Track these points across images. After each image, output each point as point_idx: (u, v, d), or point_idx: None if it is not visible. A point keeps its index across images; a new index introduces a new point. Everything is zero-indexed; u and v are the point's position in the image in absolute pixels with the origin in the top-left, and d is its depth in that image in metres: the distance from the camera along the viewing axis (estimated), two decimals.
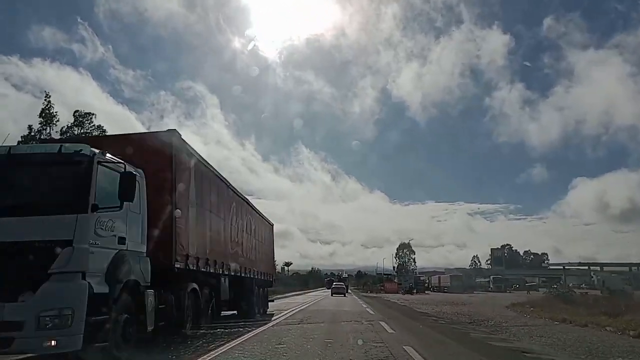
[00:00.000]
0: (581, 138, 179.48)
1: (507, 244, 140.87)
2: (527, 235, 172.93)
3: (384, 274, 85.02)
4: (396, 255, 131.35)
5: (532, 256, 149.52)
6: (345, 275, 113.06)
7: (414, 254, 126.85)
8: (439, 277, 79.47)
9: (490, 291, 72.54)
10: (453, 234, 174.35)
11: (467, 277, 72.17)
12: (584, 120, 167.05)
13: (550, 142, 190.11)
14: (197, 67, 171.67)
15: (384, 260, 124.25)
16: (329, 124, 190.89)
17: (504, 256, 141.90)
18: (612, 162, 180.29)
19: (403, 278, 74.91)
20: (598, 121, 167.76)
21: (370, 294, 58.65)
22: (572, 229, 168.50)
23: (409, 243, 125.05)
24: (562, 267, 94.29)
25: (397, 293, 59.00)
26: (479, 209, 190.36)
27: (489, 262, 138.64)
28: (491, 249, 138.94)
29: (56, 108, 31.81)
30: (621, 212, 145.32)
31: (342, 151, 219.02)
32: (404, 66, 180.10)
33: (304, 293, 63.63)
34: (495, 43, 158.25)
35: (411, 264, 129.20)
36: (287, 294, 55.80)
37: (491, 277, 77.65)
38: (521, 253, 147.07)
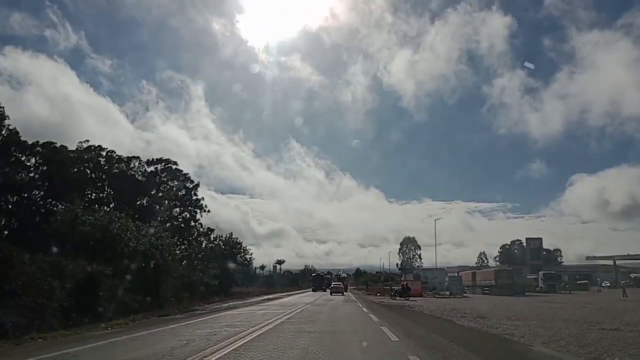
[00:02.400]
0: (584, 130, 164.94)
1: (518, 240, 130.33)
2: (525, 233, 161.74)
3: (399, 268, 67.50)
4: (399, 251, 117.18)
5: (544, 252, 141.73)
6: (344, 274, 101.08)
7: (420, 249, 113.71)
8: (473, 273, 61.60)
9: (540, 292, 55.62)
10: (450, 232, 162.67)
11: (517, 273, 54.71)
12: (587, 110, 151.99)
13: (551, 135, 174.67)
14: (179, 56, 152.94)
15: (390, 254, 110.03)
16: (320, 116, 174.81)
17: (513, 252, 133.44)
18: (614, 156, 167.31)
19: (431, 275, 57.23)
20: (603, 111, 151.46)
21: (382, 300, 38.34)
22: (570, 227, 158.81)
23: (413, 237, 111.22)
24: (611, 262, 78.34)
25: (421, 296, 41.55)
26: (476, 207, 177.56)
27: (497, 259, 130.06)
28: (501, 245, 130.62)
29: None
30: (621, 209, 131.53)
31: (335, 146, 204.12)
32: (397, 52, 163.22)
33: (280, 297, 45.31)
34: (495, 26, 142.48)
35: (416, 260, 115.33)
36: (249, 300, 38.79)
37: (541, 273, 60.22)
38: None
